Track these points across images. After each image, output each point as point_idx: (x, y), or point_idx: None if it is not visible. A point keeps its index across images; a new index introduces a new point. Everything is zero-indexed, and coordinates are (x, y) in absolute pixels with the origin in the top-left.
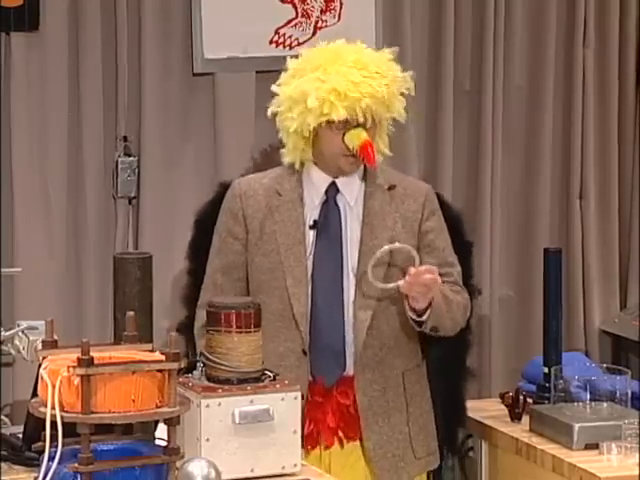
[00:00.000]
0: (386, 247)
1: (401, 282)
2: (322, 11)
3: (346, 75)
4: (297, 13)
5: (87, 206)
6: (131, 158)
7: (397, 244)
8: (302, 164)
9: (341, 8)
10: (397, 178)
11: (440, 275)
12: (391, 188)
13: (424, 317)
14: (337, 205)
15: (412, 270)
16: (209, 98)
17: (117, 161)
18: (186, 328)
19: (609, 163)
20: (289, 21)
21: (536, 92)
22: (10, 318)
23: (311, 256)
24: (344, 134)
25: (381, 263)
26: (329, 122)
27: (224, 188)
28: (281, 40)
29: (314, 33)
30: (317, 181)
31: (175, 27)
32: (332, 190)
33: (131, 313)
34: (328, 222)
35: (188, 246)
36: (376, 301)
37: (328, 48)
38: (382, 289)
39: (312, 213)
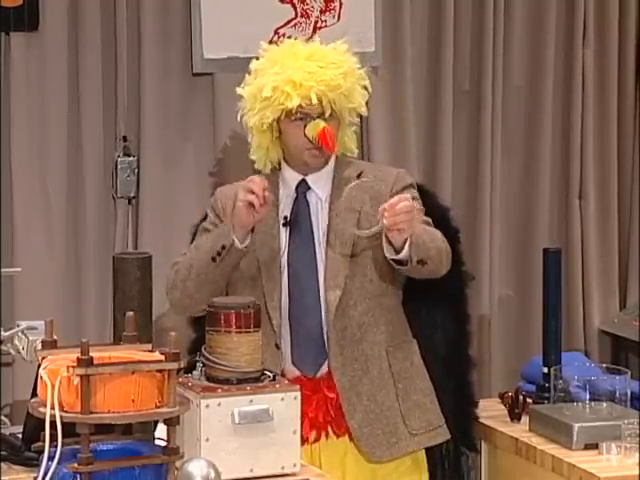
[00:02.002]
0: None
1: (382, 222)
2: (322, 11)
3: (302, 67)
4: (297, 13)
5: (87, 206)
6: (131, 158)
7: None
8: (277, 168)
9: (341, 8)
10: (367, 167)
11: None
12: (359, 175)
13: (404, 252)
14: (307, 201)
15: (386, 205)
16: (209, 98)
17: (116, 161)
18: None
19: (609, 163)
20: (289, 21)
21: (536, 92)
22: (10, 318)
23: (285, 252)
24: (305, 126)
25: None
26: (288, 114)
27: None
28: (281, 40)
29: (313, 33)
30: (289, 180)
31: (174, 27)
32: (302, 187)
33: (131, 313)
34: (298, 218)
35: None
36: (344, 279)
37: (285, 45)
38: (369, 236)
39: (286, 210)
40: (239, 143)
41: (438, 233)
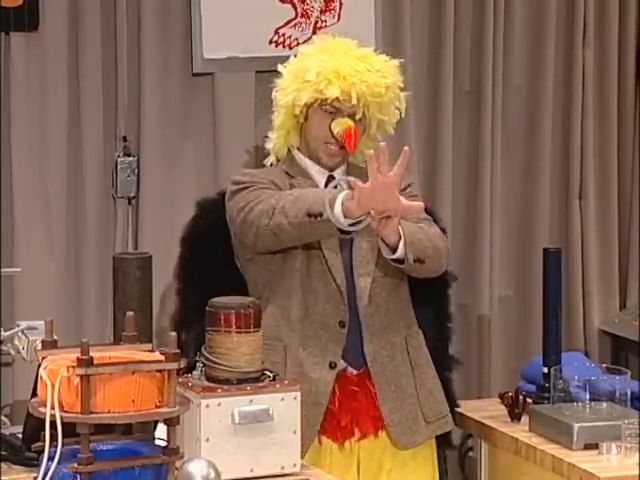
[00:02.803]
0: None
1: (370, 214)
2: (322, 11)
3: (350, 63)
4: (297, 13)
5: (87, 206)
6: (131, 158)
7: None
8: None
9: (341, 8)
10: None
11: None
12: None
13: (399, 251)
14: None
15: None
16: (209, 98)
17: (117, 161)
18: None
19: (609, 163)
20: (289, 21)
21: (536, 92)
22: (10, 318)
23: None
24: (332, 120)
25: None
26: (321, 103)
27: (205, 204)
28: (281, 40)
29: (314, 33)
30: (315, 174)
31: (175, 27)
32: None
33: (131, 313)
34: None
35: (176, 265)
36: (374, 266)
37: (338, 39)
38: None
39: None
40: None
41: (437, 231)
